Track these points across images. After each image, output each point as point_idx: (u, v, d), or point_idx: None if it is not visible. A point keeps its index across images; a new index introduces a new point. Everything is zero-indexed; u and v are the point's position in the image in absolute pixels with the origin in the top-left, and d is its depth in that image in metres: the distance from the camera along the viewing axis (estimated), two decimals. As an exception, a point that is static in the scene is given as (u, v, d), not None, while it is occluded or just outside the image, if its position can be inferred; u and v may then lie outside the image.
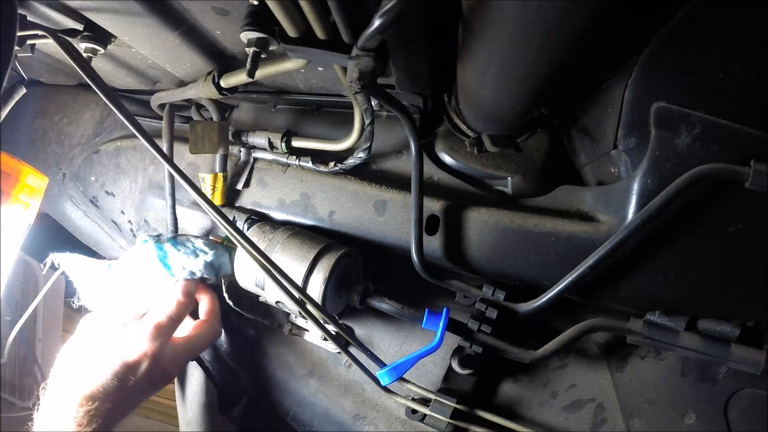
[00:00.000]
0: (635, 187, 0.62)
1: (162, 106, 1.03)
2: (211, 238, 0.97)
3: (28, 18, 0.71)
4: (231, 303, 0.95)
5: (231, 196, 0.98)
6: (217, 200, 0.96)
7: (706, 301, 0.65)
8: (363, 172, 0.88)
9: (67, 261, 0.95)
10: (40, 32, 0.69)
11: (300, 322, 0.97)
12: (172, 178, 0.94)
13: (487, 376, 0.83)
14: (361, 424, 0.91)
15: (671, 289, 0.65)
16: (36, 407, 0.77)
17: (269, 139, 0.92)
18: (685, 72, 0.57)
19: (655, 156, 0.60)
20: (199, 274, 0.88)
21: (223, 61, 0.82)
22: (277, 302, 0.84)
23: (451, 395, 0.79)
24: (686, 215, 0.62)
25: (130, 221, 1.17)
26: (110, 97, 0.68)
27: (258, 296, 0.89)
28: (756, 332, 0.64)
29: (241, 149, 0.98)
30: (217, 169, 0.96)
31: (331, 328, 0.78)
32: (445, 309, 0.74)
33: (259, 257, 0.71)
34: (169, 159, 0.70)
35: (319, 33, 0.58)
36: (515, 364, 0.77)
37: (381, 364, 0.76)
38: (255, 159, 0.98)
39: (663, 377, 0.76)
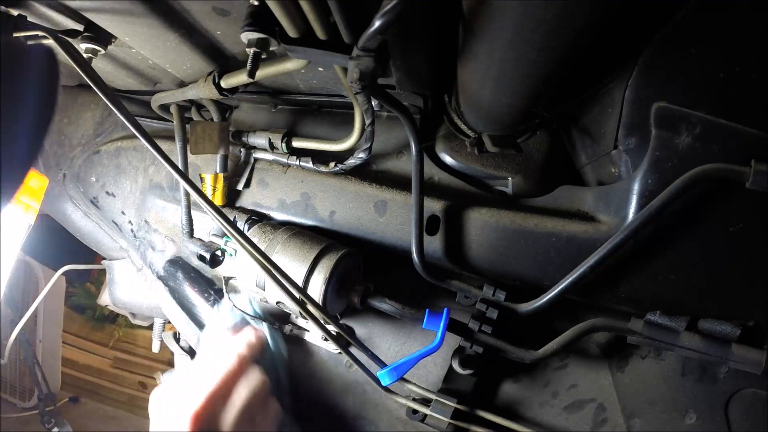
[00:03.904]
0: (636, 187, 0.63)
1: (162, 107, 1.03)
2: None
3: (28, 18, 0.71)
4: (232, 303, 0.95)
5: (231, 196, 0.98)
6: (218, 200, 0.96)
7: (706, 301, 0.65)
8: (363, 173, 0.88)
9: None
10: (40, 33, 0.69)
11: (301, 322, 0.97)
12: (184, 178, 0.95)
13: (487, 377, 0.83)
14: (362, 424, 0.91)
15: (672, 289, 0.65)
16: None
17: (270, 139, 0.93)
18: (686, 72, 0.57)
19: (655, 156, 0.60)
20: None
21: (223, 61, 0.82)
22: (277, 303, 0.84)
23: (452, 395, 0.79)
24: (687, 215, 0.62)
25: (130, 222, 1.17)
26: (110, 98, 0.68)
27: (259, 297, 0.89)
28: (756, 332, 0.64)
29: (242, 149, 0.98)
30: (218, 170, 0.96)
31: (331, 328, 0.78)
32: (445, 309, 0.74)
33: (259, 258, 0.71)
34: (170, 160, 0.70)
35: (320, 33, 0.58)
36: (516, 364, 0.77)
37: (382, 364, 0.76)
38: (255, 159, 0.98)
39: (664, 377, 0.76)
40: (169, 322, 1.19)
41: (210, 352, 0.77)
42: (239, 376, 0.72)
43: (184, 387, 0.70)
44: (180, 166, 0.95)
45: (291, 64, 0.72)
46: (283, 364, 0.90)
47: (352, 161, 0.84)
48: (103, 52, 0.78)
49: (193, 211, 0.98)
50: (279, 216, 0.93)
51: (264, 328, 0.90)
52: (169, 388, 0.71)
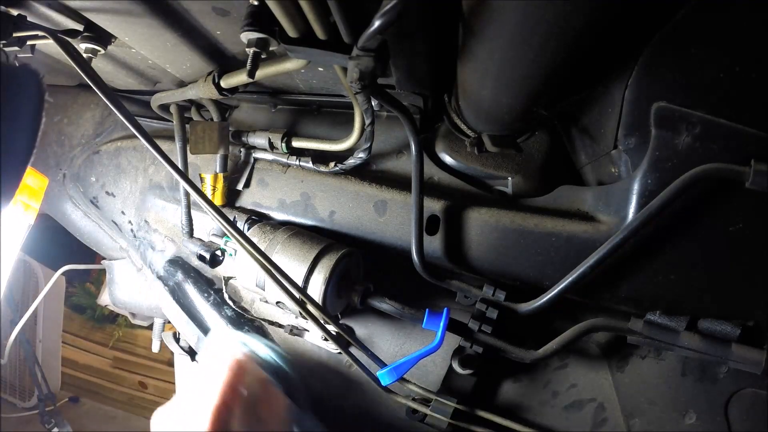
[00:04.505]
0: (635, 187, 0.62)
1: (162, 107, 1.03)
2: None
3: (28, 18, 0.71)
4: (231, 303, 0.95)
5: (231, 196, 0.98)
6: (218, 200, 0.96)
7: (706, 301, 0.65)
8: (363, 172, 0.88)
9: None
10: (40, 33, 0.69)
11: (300, 322, 0.97)
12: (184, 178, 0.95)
13: (487, 377, 0.83)
14: (362, 424, 0.91)
15: (672, 289, 0.65)
16: None
17: (269, 139, 0.93)
18: (686, 72, 0.57)
19: (655, 156, 0.60)
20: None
21: (223, 61, 0.82)
22: (277, 302, 0.84)
23: (452, 395, 0.79)
24: (687, 215, 0.62)
25: (130, 221, 1.17)
26: (110, 98, 0.68)
27: (258, 297, 0.89)
28: (756, 332, 0.64)
29: (242, 149, 0.98)
30: (218, 170, 0.96)
31: (331, 328, 0.78)
32: (445, 309, 0.74)
33: (259, 257, 0.71)
34: (170, 160, 0.70)
35: (320, 33, 0.58)
36: (516, 364, 0.77)
37: (381, 364, 0.76)
38: (255, 159, 0.98)
39: (663, 377, 0.76)
40: (169, 322, 1.19)
41: (207, 371, 0.74)
42: (238, 382, 0.70)
43: (187, 407, 0.68)
44: (180, 166, 0.95)
45: (291, 64, 0.72)
46: (285, 362, 0.89)
47: (352, 161, 0.84)
48: (103, 52, 0.78)
49: (193, 211, 0.98)
50: (279, 216, 0.93)
51: (255, 337, 0.90)
52: (172, 409, 0.70)
